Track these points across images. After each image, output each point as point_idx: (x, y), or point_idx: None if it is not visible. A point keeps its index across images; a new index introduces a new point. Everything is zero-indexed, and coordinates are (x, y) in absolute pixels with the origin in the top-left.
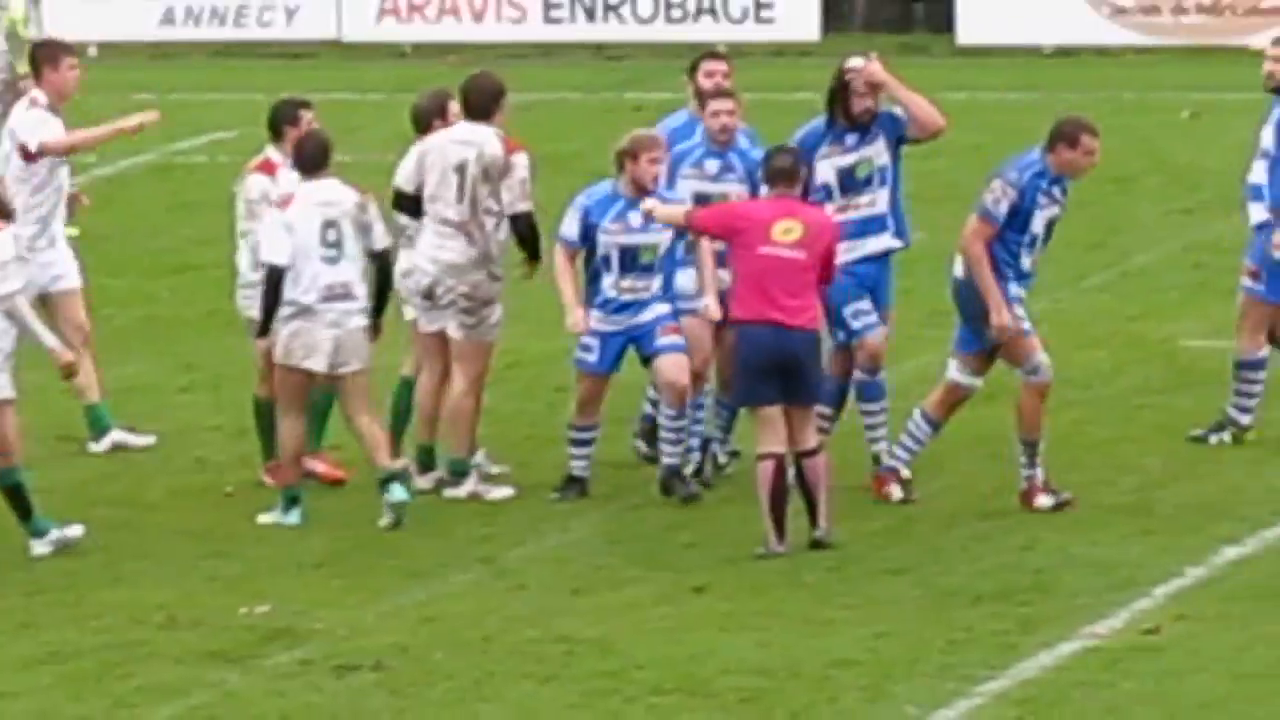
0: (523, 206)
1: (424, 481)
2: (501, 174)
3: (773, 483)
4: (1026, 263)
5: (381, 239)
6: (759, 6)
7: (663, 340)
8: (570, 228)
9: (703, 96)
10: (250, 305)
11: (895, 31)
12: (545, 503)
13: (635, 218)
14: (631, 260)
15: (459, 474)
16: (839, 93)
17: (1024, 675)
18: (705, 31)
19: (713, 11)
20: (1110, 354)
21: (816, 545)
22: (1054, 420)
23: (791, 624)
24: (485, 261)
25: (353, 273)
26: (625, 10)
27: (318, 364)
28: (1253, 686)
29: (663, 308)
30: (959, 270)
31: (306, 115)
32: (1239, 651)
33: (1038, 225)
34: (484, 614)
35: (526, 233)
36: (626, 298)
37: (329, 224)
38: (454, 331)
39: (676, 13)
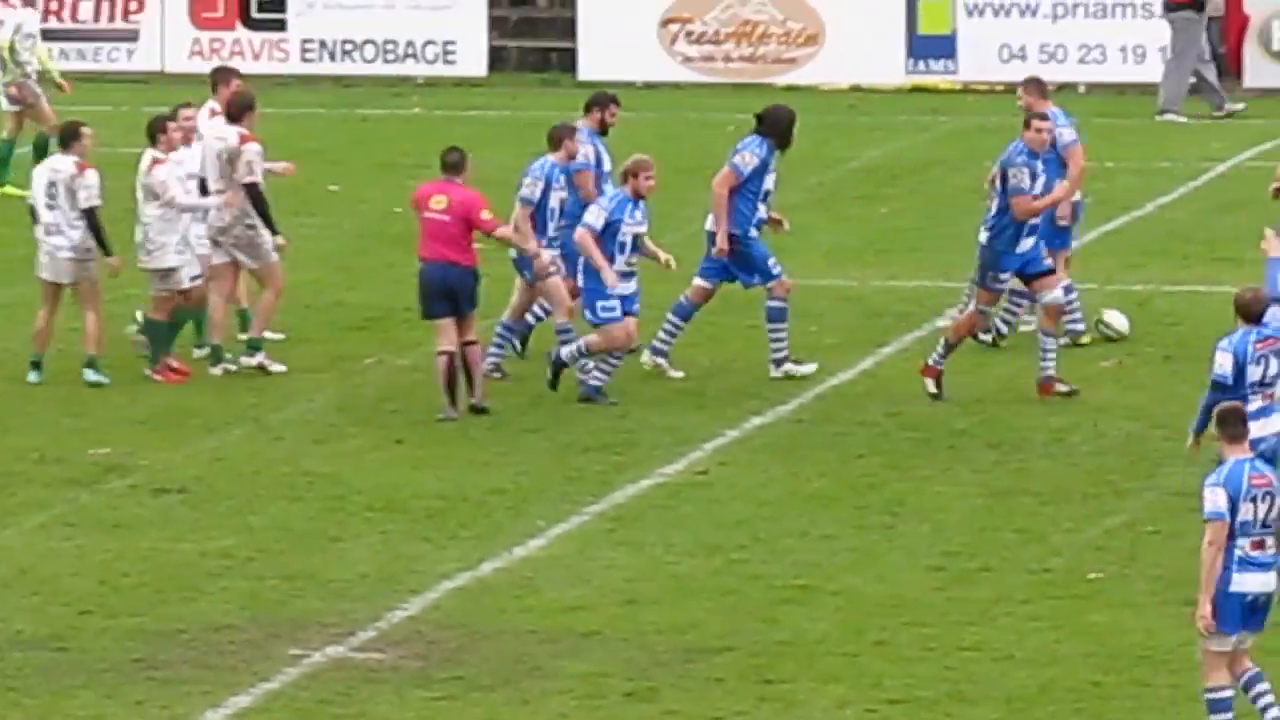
0: (249, 179)
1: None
2: (233, 158)
3: (446, 370)
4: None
5: (86, 201)
6: (446, 51)
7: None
8: (598, 221)
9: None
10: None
11: (536, 70)
12: (300, 377)
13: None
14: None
15: (254, 349)
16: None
17: (616, 501)
18: (409, 69)
19: (414, 55)
20: None
21: (476, 410)
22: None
23: (461, 465)
24: (243, 216)
25: (61, 219)
26: (356, 54)
27: (44, 275)
28: (769, 509)
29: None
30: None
31: None
32: (760, 487)
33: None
34: (254, 456)
35: (253, 201)
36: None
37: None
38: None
39: (391, 56)
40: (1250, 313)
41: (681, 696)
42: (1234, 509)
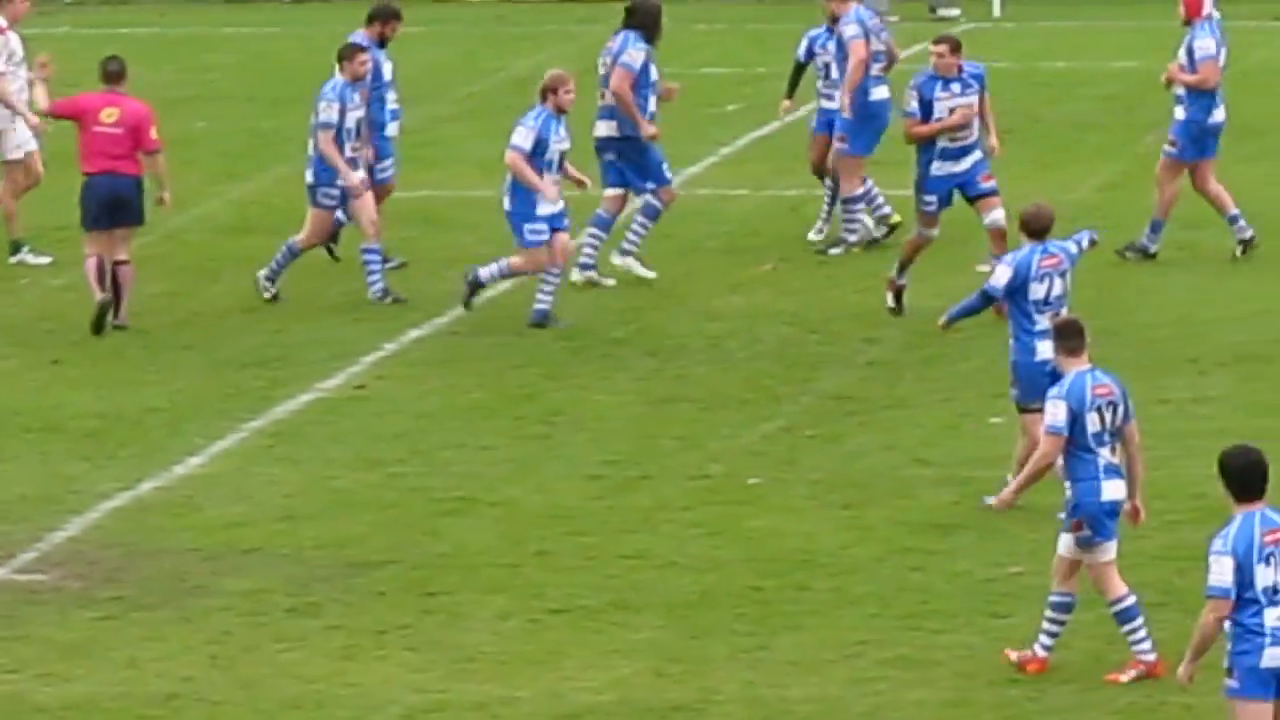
0: None
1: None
2: None
3: (97, 267)
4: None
5: None
6: None
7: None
8: (526, 141)
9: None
10: None
11: None
12: None
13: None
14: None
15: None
16: None
17: (275, 417)
18: None
19: None
20: None
21: (120, 328)
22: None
23: (118, 384)
24: None
25: None
26: None
27: None
28: (428, 422)
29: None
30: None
31: None
32: (418, 399)
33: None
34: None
35: None
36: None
37: None
38: None
39: None
40: (1033, 228)
41: (344, 611)
42: (1077, 421)
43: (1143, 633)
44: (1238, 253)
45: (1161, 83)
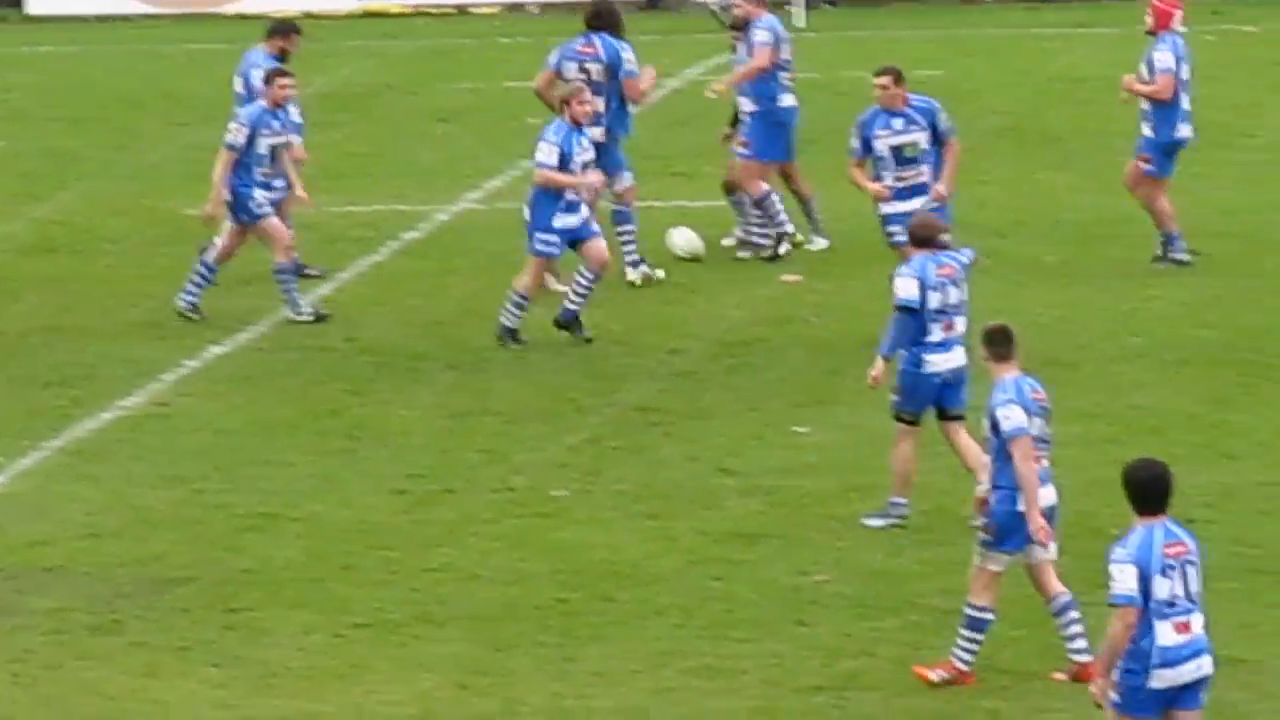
0: None
1: None
2: None
3: None
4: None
5: None
6: None
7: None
8: (551, 157)
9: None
10: None
11: None
12: None
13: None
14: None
15: None
16: None
17: (77, 435)
18: None
19: None
20: None
21: None
22: None
23: None
24: None
25: None
26: None
27: None
28: (230, 438)
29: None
30: None
31: None
32: (221, 416)
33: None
34: None
35: None
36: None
37: None
38: None
39: None
40: (922, 236)
41: (147, 628)
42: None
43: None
44: (1160, 265)
45: (1121, 96)
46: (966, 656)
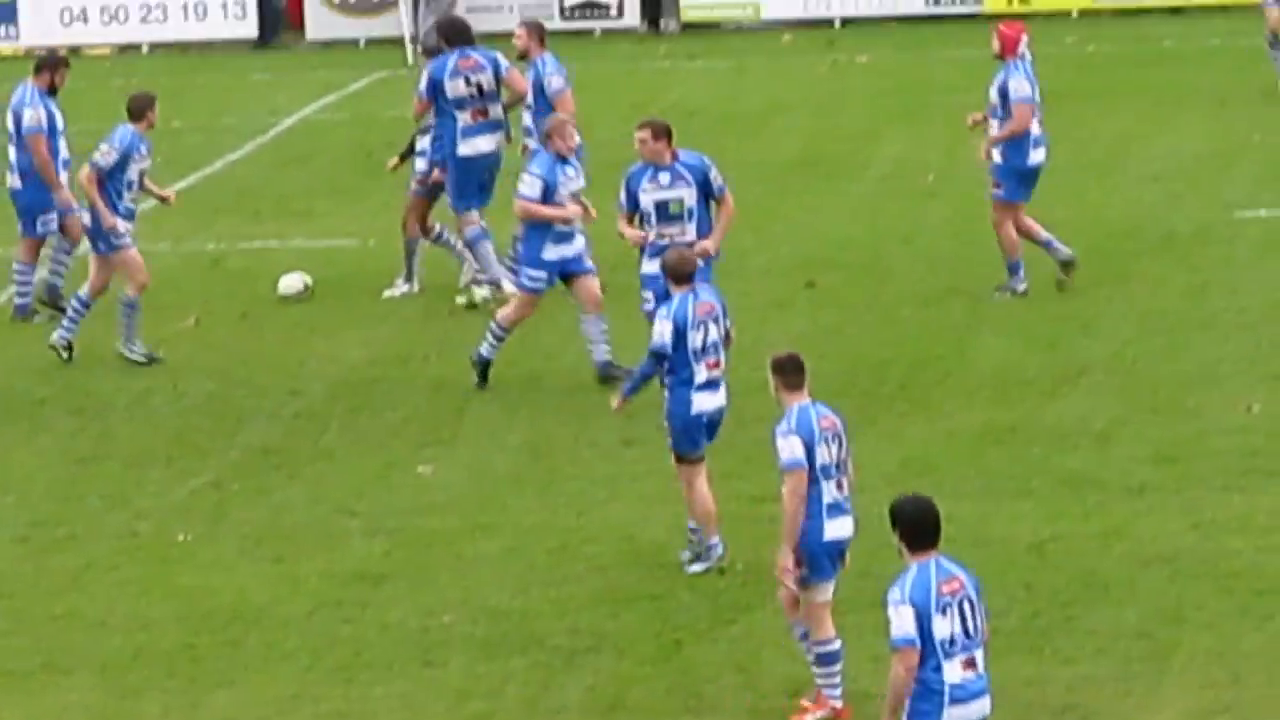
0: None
1: None
2: None
3: None
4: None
5: None
6: None
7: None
8: (534, 189)
9: None
10: None
11: None
12: None
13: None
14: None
15: None
16: None
17: None
18: None
19: None
20: None
21: None
22: None
23: None
24: None
25: None
26: None
27: None
28: None
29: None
30: None
31: None
32: None
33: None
34: None
35: None
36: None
37: None
38: None
39: None
40: (680, 273)
41: None
42: (810, 455)
43: (837, 679)
44: (996, 296)
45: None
46: (835, 691)
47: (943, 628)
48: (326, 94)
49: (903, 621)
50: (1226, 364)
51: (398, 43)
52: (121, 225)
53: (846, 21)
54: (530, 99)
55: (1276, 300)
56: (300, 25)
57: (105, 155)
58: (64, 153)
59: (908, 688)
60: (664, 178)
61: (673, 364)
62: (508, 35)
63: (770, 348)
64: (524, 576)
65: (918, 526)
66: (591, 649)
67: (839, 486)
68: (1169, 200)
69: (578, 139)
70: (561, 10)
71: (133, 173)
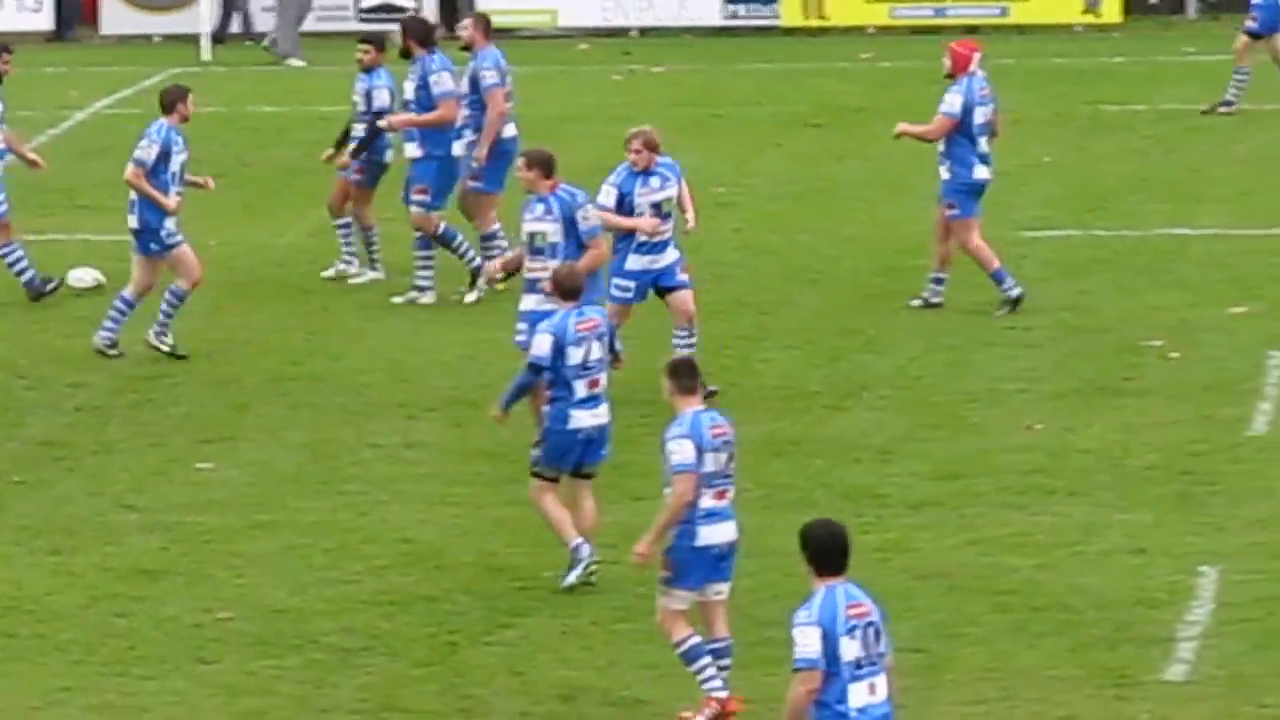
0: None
1: None
2: None
3: None
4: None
5: None
6: None
7: None
8: (609, 199)
9: None
10: None
11: None
12: None
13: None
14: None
15: None
16: None
17: None
18: None
19: None
20: None
21: None
22: None
23: None
24: None
25: None
26: None
27: None
28: None
29: None
30: None
31: None
32: None
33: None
34: None
35: None
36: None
37: None
38: None
39: None
40: (567, 288)
41: None
42: (700, 460)
43: (711, 673)
44: (913, 303)
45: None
46: (715, 684)
47: (850, 649)
48: (120, 89)
49: (809, 642)
50: (1010, 382)
51: (192, 40)
52: (171, 222)
53: (644, 31)
54: (466, 89)
55: (1061, 320)
56: (95, 20)
57: (146, 150)
58: (0, 142)
59: (807, 709)
60: (538, 209)
61: (553, 379)
62: (347, 35)
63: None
64: (301, 575)
65: (827, 550)
66: (366, 649)
67: (720, 495)
68: None
69: (657, 156)
70: (358, 12)
71: (175, 165)
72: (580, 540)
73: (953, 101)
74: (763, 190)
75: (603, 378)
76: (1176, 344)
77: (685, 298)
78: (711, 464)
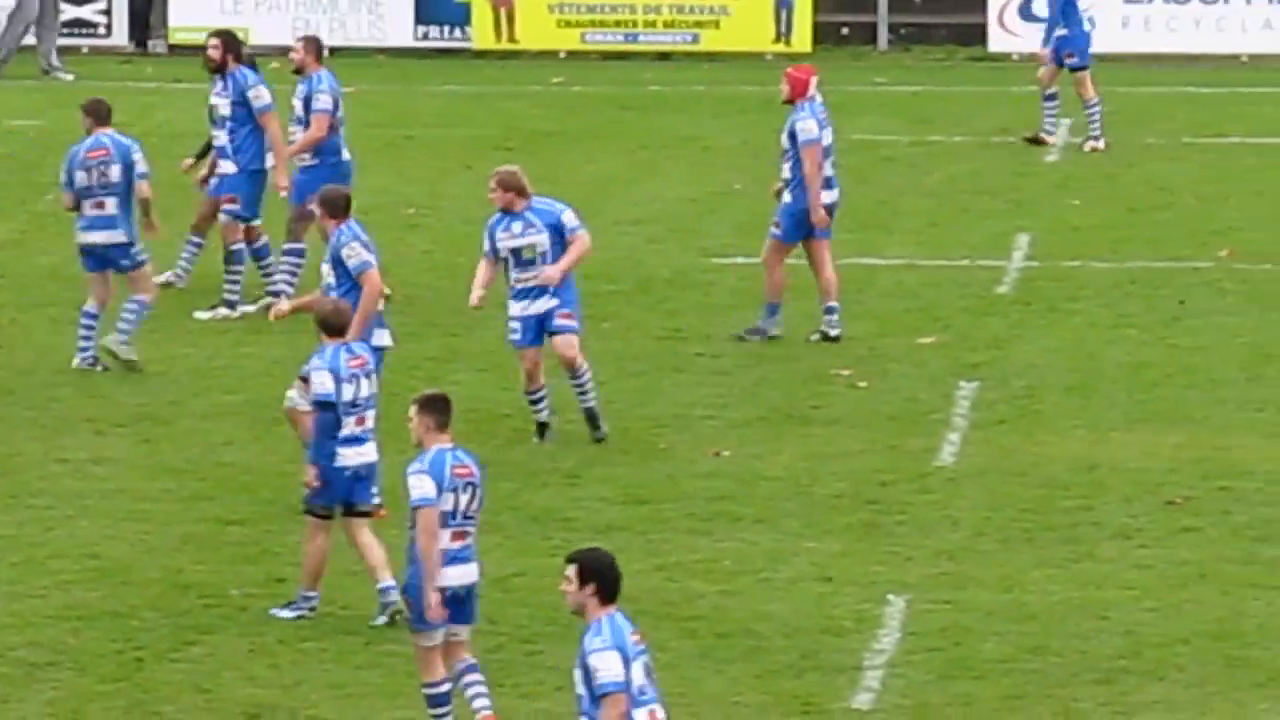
0: None
1: None
2: None
3: None
4: None
5: None
6: None
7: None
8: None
9: None
10: None
11: None
12: None
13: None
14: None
15: None
16: None
17: None
18: None
19: None
20: None
21: None
22: None
23: None
24: None
25: None
26: None
27: None
28: None
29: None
30: None
31: None
32: None
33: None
34: None
35: None
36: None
37: None
38: None
39: None
40: (334, 324)
41: None
42: (439, 497)
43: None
44: (813, 337)
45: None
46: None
47: (637, 676)
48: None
49: (612, 666)
50: (698, 409)
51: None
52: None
53: (335, 51)
54: (300, 112)
55: (750, 348)
56: None
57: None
58: None
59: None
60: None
61: (321, 418)
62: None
63: (252, 376)
64: None
65: (612, 579)
66: (52, 664)
67: (459, 536)
68: (648, 245)
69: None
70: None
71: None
72: (314, 594)
73: (810, 128)
74: (453, 212)
75: (369, 416)
76: (865, 373)
77: (559, 343)
78: (449, 503)
